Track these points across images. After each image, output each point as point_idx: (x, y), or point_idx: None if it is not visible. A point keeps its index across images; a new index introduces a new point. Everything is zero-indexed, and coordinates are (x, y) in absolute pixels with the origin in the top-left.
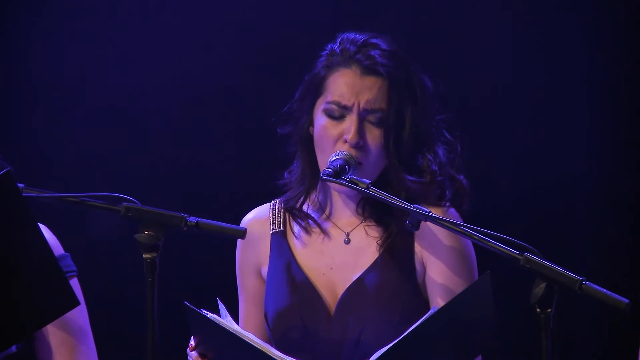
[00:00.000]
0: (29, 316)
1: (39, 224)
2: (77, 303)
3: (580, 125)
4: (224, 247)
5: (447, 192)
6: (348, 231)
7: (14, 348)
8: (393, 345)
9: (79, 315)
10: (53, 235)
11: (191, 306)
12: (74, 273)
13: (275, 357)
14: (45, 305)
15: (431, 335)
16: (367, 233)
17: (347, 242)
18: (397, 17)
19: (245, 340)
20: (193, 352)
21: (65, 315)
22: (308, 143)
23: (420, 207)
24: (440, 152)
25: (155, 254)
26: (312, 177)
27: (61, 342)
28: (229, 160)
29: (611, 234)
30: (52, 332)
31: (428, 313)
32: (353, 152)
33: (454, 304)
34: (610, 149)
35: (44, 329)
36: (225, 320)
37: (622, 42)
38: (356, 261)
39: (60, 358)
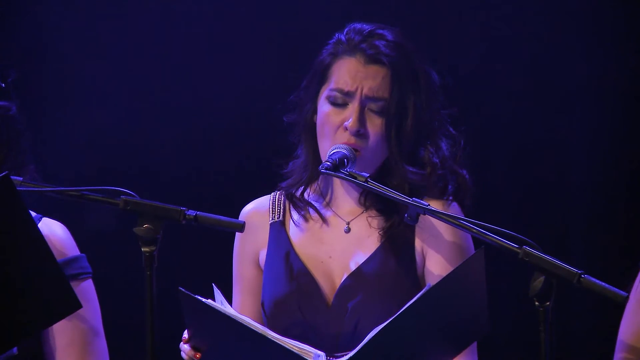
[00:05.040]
0: (30, 318)
1: (56, 221)
2: (79, 306)
3: (579, 120)
4: (223, 241)
5: (450, 187)
6: (349, 220)
7: (15, 350)
8: (389, 323)
9: (91, 315)
10: (69, 234)
11: (186, 291)
12: (89, 275)
13: (274, 340)
14: (46, 308)
15: (426, 314)
16: (369, 223)
17: (347, 230)
18: (408, 11)
19: (242, 324)
20: (186, 345)
21: (75, 314)
22: (311, 131)
23: (418, 200)
24: (443, 145)
25: (153, 248)
26: (315, 165)
27: (70, 342)
28: (229, 153)
29: (608, 228)
30: (61, 332)
31: (423, 289)
32: (353, 140)
33: (449, 279)
34: (607, 144)
35: (52, 328)
36: (222, 306)
37: (622, 38)
38: (356, 250)
39: (69, 358)
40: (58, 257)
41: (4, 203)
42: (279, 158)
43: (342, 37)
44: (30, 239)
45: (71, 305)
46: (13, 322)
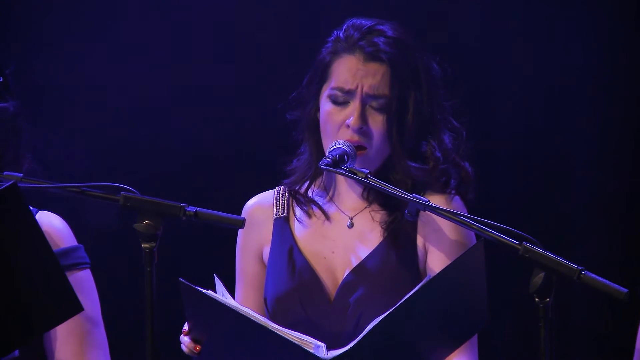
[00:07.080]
0: (32, 321)
1: (52, 213)
2: (81, 309)
3: (580, 115)
4: (224, 237)
5: (452, 180)
6: (352, 215)
7: (16, 352)
8: (388, 314)
9: (90, 305)
10: (66, 226)
11: (186, 282)
12: (87, 265)
13: (275, 331)
14: (48, 311)
15: (426, 305)
16: (372, 217)
17: (351, 226)
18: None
19: (243, 315)
20: (186, 337)
21: None
22: (314, 128)
23: (418, 196)
24: (446, 138)
25: (153, 244)
26: (319, 162)
27: (70, 332)
28: (231, 149)
29: (609, 225)
30: None
31: (423, 281)
32: (356, 137)
33: (448, 271)
34: (608, 141)
35: None
36: (223, 297)
37: (620, 36)
38: (358, 245)
39: (69, 347)
40: (55, 248)
41: (11, 211)
42: (281, 154)
43: (341, 35)
44: (35, 245)
45: (73, 308)
46: (15, 326)
